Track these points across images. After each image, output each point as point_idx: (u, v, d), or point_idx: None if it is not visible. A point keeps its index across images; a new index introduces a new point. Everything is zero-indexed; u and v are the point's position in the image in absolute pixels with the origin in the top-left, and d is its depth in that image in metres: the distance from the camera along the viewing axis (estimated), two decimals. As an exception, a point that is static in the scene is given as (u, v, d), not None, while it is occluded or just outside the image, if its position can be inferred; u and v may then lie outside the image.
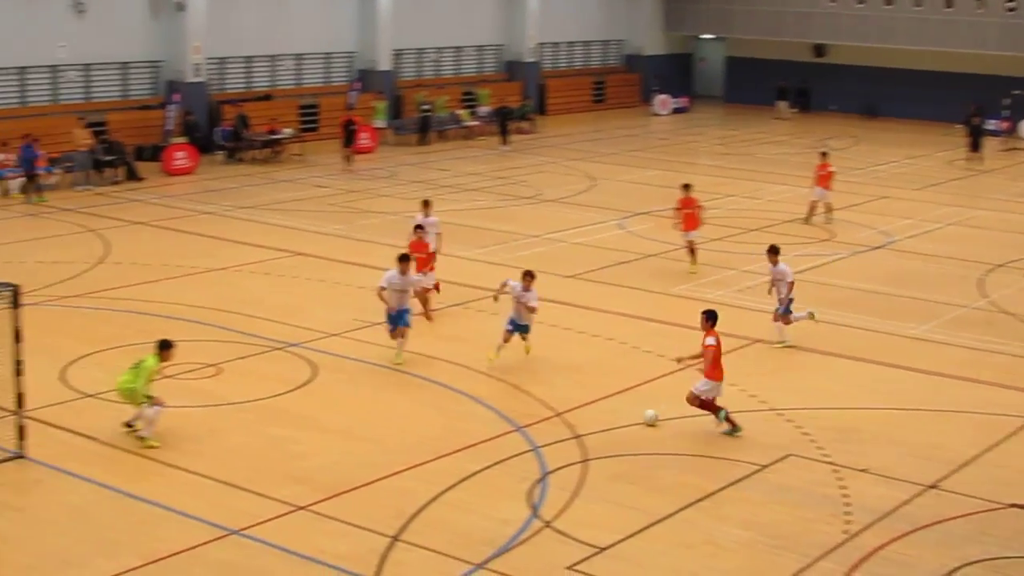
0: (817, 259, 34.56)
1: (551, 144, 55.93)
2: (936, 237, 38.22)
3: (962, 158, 52.69)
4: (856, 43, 66.71)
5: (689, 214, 32.63)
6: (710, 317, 21.96)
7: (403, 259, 25.22)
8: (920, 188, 46.94)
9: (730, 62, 73.01)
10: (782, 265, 27.17)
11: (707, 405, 21.57)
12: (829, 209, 39.87)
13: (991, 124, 59.55)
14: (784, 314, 26.93)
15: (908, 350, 26.79)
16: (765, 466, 20.20)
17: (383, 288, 24.69)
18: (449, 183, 44.94)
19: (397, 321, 24.77)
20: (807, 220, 39.51)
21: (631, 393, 23.41)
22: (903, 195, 45.26)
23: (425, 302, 27.25)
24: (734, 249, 35.34)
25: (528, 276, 25.20)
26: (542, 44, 65.51)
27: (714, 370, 21.44)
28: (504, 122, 54.80)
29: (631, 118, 65.83)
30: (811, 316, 26.94)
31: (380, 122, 53.71)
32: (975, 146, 52.94)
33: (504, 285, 25.15)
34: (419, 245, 28.00)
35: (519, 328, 25.12)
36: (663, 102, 67.99)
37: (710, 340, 21.57)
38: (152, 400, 20.23)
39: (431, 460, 19.72)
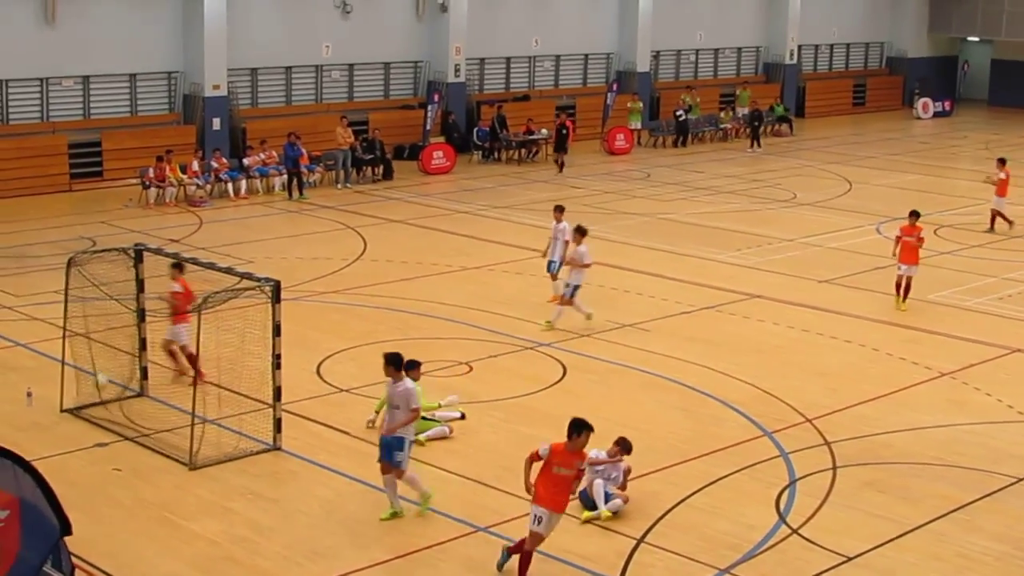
0: (1082, 268, 33.48)
1: (809, 147, 55.25)
2: None
3: None
4: None
5: (909, 244, 28.97)
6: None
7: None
8: None
9: (995, 65, 71.03)
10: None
11: None
12: (999, 217, 38.06)
13: None
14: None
15: None
16: (1022, 479, 19.65)
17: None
18: (704, 185, 44.76)
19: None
20: (991, 229, 37.94)
21: (884, 400, 23.01)
22: None
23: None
24: (994, 256, 34.43)
25: (579, 232, 27.12)
26: (802, 46, 64.75)
27: None
28: (755, 125, 54.37)
29: (891, 121, 64.61)
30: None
31: (636, 123, 53.77)
32: None
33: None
34: None
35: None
36: (925, 105, 66.55)
37: None
38: (437, 418, 21.02)
39: (678, 463, 19.69)
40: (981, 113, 68.59)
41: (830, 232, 37.20)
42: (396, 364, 17.74)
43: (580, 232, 27.08)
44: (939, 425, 21.87)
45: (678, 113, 54.59)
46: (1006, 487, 19.36)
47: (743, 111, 58.08)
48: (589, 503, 18.01)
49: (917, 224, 29.11)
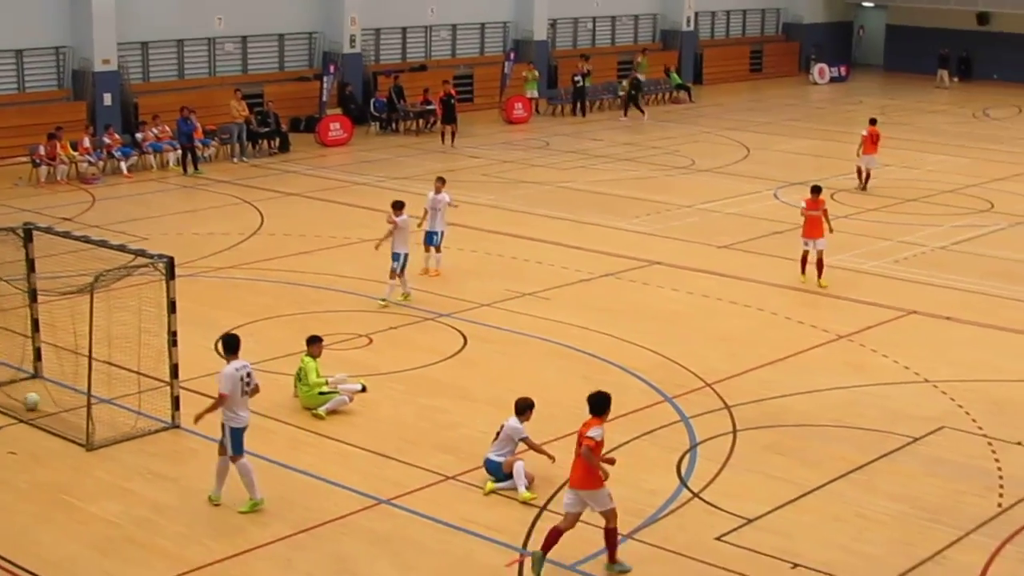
0: (975, 229, 33.97)
1: (707, 114, 55.60)
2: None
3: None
4: (1020, 11, 65.23)
5: (813, 219, 28.22)
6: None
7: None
8: (1085, 157, 45.92)
9: (890, 30, 71.81)
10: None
11: None
12: (865, 175, 39.19)
13: None
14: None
15: (1069, 322, 26.32)
16: (918, 438, 19.97)
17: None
18: (603, 153, 44.90)
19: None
20: (862, 188, 39.07)
21: (782, 364, 23.29)
22: None
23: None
24: (891, 220, 34.88)
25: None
26: (699, 13, 65.07)
27: None
28: (632, 93, 54.29)
29: (788, 87, 65.16)
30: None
31: (534, 92, 53.78)
32: None
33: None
34: None
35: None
36: (821, 71, 67.17)
37: None
38: (338, 389, 20.95)
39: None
40: (876, 78, 69.33)
41: (728, 198, 37.50)
42: (227, 347, 17.70)
43: (397, 206, 26.75)
44: (837, 387, 22.18)
45: (576, 78, 54.62)
46: (902, 447, 19.67)
47: (642, 79, 58.32)
48: (498, 474, 18.02)
49: (820, 198, 28.62)
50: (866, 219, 34.26)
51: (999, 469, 18.91)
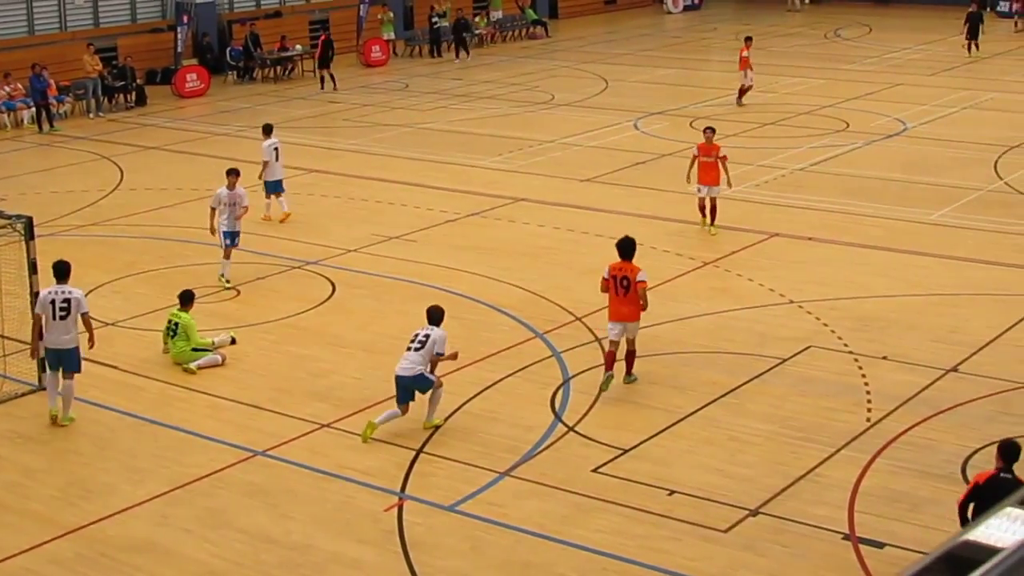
0: (832, 149, 34.33)
1: (564, 48, 55.53)
2: (951, 122, 37.94)
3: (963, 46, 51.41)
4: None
5: (707, 164, 26.86)
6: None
7: (234, 173, 25.06)
8: (933, 74, 46.52)
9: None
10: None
11: None
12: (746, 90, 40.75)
13: (1003, 5, 58.94)
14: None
15: (925, 236, 26.68)
16: (786, 359, 20.16)
17: (214, 208, 24.57)
18: (462, 92, 44.69)
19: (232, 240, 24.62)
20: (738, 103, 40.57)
21: (650, 293, 23.11)
22: (917, 81, 44.90)
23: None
24: (750, 144, 35.10)
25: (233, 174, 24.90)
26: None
27: None
28: (461, 36, 53.50)
29: (643, 18, 65.28)
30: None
31: (390, 34, 53.31)
32: (971, 34, 50.17)
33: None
34: None
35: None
36: (675, 0, 67.34)
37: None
38: (213, 347, 20.71)
39: (452, 371, 19.59)
40: (730, 4, 69.66)
41: (589, 131, 37.51)
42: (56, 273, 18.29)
43: (233, 174, 25.08)
44: (705, 314, 22.30)
45: (433, 20, 54.22)
46: (771, 369, 19.83)
47: (497, 15, 58.13)
48: (424, 388, 17.78)
49: (715, 142, 27.13)
50: (725, 144, 34.37)
51: (866, 385, 19.15)
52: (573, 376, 19.64)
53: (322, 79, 46.41)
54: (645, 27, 61.88)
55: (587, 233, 27.25)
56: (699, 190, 27.09)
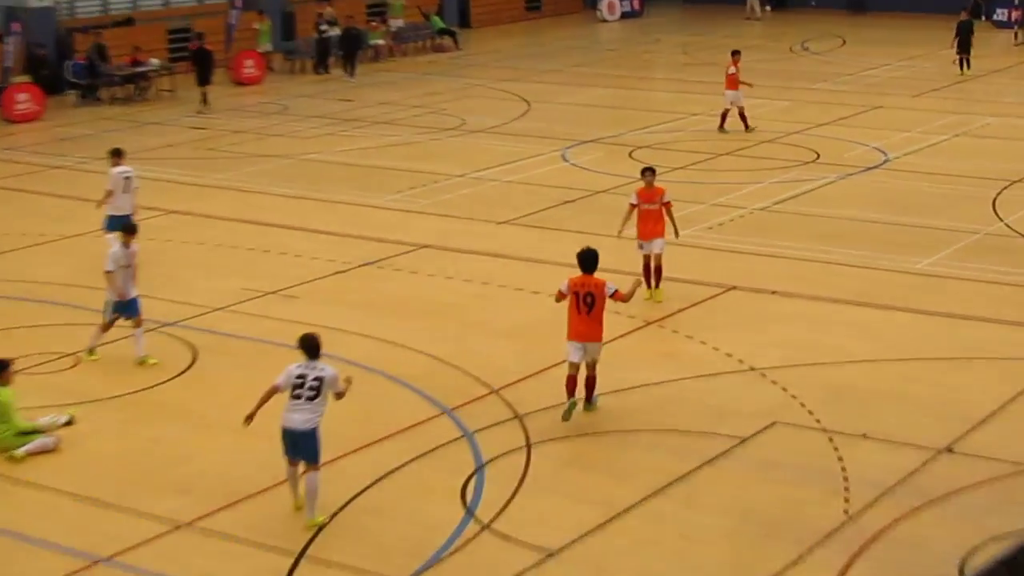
0: (800, 185, 34.55)
1: (477, 63, 55.73)
2: (940, 151, 38.34)
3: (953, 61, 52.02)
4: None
5: (650, 214, 25.87)
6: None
7: (128, 230, 24.21)
8: (919, 94, 47.10)
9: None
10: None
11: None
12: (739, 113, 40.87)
13: (1000, 14, 59.80)
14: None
15: (913, 288, 26.82)
16: (746, 438, 20.12)
17: (109, 271, 23.54)
18: (355, 116, 44.68)
19: (128, 310, 23.73)
20: (721, 128, 40.90)
21: (582, 360, 23.31)
22: (899, 103, 45.44)
23: None
24: (702, 179, 35.26)
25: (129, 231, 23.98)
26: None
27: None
28: (351, 50, 53.58)
29: (573, 27, 65.72)
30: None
31: (267, 46, 53.26)
32: (963, 48, 50.82)
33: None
34: None
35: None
36: (611, 6, 67.83)
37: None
38: (43, 430, 20.26)
39: (342, 456, 19.44)
40: (675, 12, 70.37)
41: (508, 163, 37.55)
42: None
43: (129, 230, 24.32)
44: (649, 383, 22.23)
45: (322, 27, 54.18)
46: (729, 450, 19.78)
47: (397, 23, 58.25)
48: (314, 455, 17.66)
49: (656, 186, 26.06)
50: (672, 179, 34.49)
51: (843, 469, 19.12)
52: (489, 461, 19.49)
53: (204, 97, 46.32)
54: (575, 38, 62.27)
55: (505, 287, 27.19)
56: (641, 246, 25.94)
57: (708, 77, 49.48)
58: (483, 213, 32.45)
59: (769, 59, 55.02)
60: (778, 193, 33.77)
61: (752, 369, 22.81)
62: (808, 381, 22.20)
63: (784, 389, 21.90)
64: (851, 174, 35.71)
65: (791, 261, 28.37)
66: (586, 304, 20.34)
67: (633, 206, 26.08)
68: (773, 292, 26.66)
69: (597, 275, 20.53)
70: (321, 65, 53.89)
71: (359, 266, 28.66)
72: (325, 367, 17.87)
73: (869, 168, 36.36)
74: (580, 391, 20.69)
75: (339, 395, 17.89)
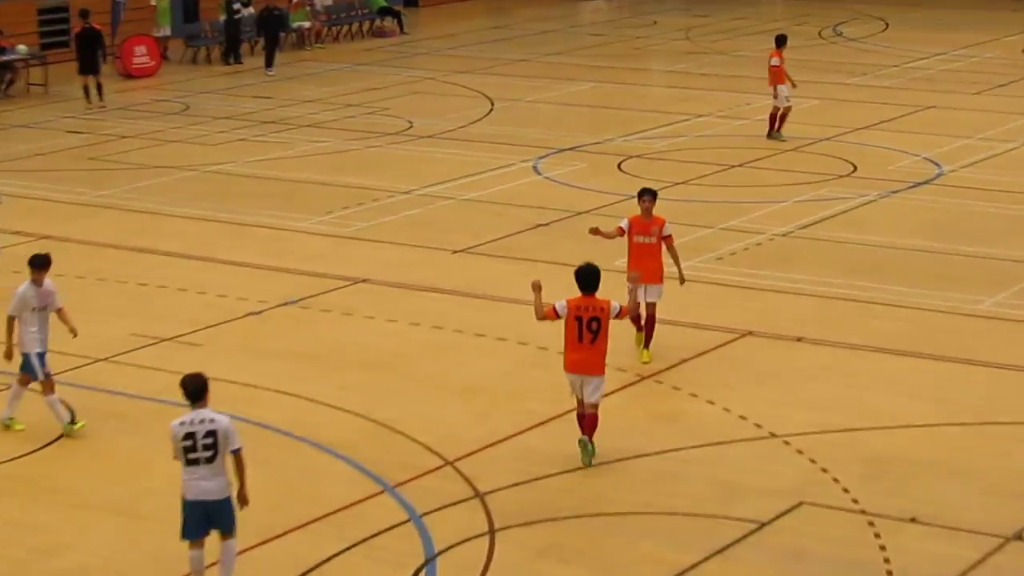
0: (832, 205, 34.63)
1: (428, 50, 55.91)
2: (1007, 163, 38.51)
3: None
4: None
5: (646, 249, 25.44)
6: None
7: (39, 264, 23.69)
8: (979, 92, 47.30)
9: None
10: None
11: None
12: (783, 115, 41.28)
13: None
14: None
15: (974, 334, 26.92)
16: (765, 523, 20.14)
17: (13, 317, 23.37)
18: (273, 117, 44.72)
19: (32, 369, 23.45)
20: (771, 135, 41.18)
21: (557, 424, 23.22)
22: (955, 103, 45.59)
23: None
24: (709, 196, 35.34)
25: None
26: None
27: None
28: (271, 34, 53.61)
29: (546, 6, 65.85)
30: None
31: (165, 29, 53.27)
32: None
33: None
34: None
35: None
36: (595, -21, 68.17)
37: None
38: None
39: (257, 545, 19.41)
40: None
41: (466, 177, 37.62)
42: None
43: (39, 266, 23.81)
44: (644, 454, 22.21)
45: (233, 6, 54.18)
46: (744, 537, 19.78)
47: (326, 2, 58.33)
48: (229, 523, 17.69)
49: (655, 216, 25.61)
50: (672, 197, 34.53)
51: (886, 561, 19.16)
52: (442, 552, 19.47)
53: (86, 89, 46.24)
54: (550, 19, 62.44)
55: (461, 332, 27.18)
56: (631, 289, 23.40)
57: (716, 68, 49.71)
58: (435, 239, 32.46)
59: (793, 47, 54.98)
60: (804, 215, 33.84)
61: (773, 436, 22.83)
62: (842, 451, 22.22)
63: (812, 461, 21.91)
64: (896, 191, 35.83)
65: (820, 300, 28.43)
66: (591, 331, 21.30)
67: (621, 231, 25.79)
68: (798, 339, 26.71)
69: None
70: (231, 53, 53.94)
71: (278, 306, 28.66)
72: (215, 416, 17.77)
73: (918, 184, 36.50)
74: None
75: (237, 458, 17.74)
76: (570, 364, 21.57)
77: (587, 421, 21.64)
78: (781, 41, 41.76)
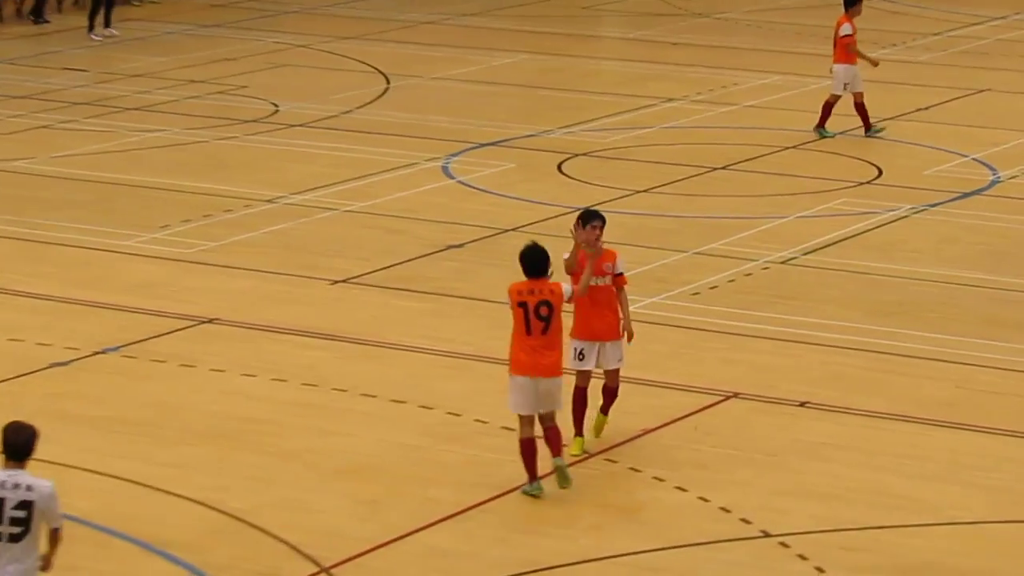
0: (849, 222, 34.75)
1: (300, 8, 56.07)
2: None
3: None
4: None
5: (595, 294, 24.50)
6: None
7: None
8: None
9: None
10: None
11: None
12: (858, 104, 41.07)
13: None
14: None
15: (1036, 399, 27.05)
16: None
17: None
18: (91, 97, 44.71)
19: None
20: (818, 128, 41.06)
21: (472, 516, 23.22)
22: (1016, 84, 45.77)
23: None
24: (682, 209, 35.43)
25: None
26: None
27: None
28: None
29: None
30: None
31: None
32: None
33: None
34: None
35: None
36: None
37: None
38: None
39: None
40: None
41: (352, 180, 37.64)
42: None
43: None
44: (594, 558, 22.19)
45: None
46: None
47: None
48: None
49: (607, 249, 24.77)
50: (630, 209, 34.62)
51: None
52: None
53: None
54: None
55: (344, 391, 27.16)
56: (580, 354, 24.70)
57: (697, 37, 49.89)
58: (308, 265, 32.51)
59: (805, 10, 55.45)
60: (811, 235, 33.95)
61: (766, 535, 22.88)
62: (860, 557, 22.26)
63: (820, 570, 21.96)
64: (935, 204, 36.00)
65: (830, 351, 28.53)
66: (539, 318, 22.33)
67: (572, 266, 24.56)
68: (801, 404, 26.79)
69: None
70: (36, 12, 53.94)
71: (93, 354, 28.61)
72: (34, 483, 17.66)
73: (965, 194, 36.69)
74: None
75: (54, 538, 17.66)
76: (518, 364, 22.39)
77: (551, 435, 22.58)
78: (851, 1, 41.27)
